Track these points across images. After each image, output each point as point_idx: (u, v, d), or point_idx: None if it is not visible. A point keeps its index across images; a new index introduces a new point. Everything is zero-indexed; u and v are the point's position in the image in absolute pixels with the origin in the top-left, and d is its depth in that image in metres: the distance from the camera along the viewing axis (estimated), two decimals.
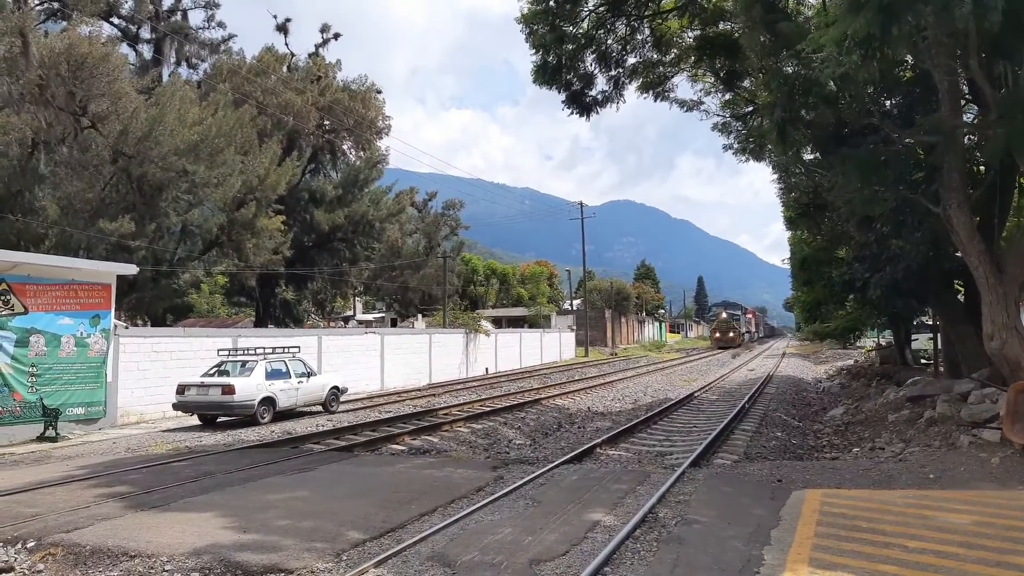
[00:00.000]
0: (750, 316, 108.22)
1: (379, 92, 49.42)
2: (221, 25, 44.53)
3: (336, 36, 49.64)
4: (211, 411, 18.58)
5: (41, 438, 16.44)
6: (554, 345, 54.81)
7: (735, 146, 22.96)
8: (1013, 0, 8.72)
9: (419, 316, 57.95)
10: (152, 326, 36.16)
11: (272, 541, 7.43)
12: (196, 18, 42.36)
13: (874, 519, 7.77)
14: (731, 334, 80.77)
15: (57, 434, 16.58)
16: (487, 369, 41.66)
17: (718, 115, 23.47)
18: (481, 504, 8.87)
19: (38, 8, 32.10)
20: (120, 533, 7.85)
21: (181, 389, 18.62)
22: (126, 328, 22.63)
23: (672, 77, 23.08)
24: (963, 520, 7.66)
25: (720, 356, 62.55)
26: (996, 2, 8.53)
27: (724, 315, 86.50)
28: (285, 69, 46.31)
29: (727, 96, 23.36)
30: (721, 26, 20.68)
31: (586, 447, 14.09)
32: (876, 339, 47.82)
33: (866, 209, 15.40)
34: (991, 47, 11.35)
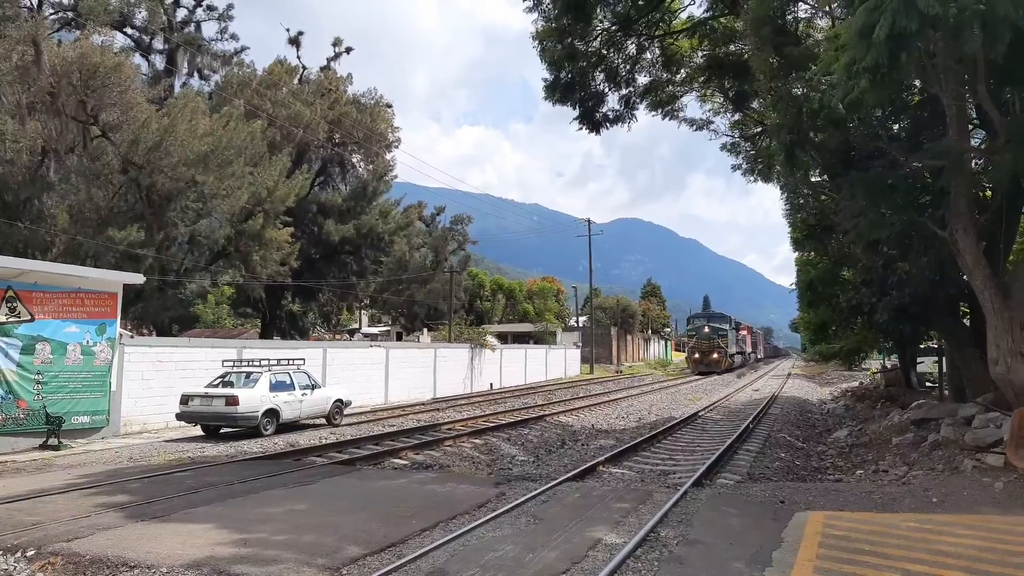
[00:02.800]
0: (744, 333, 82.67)
1: (389, 106, 49.70)
2: (234, 37, 44.64)
3: (348, 50, 49.84)
4: (214, 422, 18.56)
5: (44, 446, 16.42)
6: (559, 361, 54.71)
7: (744, 166, 23.10)
8: (1021, 29, 8.77)
9: (424, 330, 57.92)
10: (157, 336, 36.24)
11: (271, 555, 7.42)
12: (209, 30, 42.58)
13: (877, 542, 7.73)
14: (714, 355, 62.97)
15: (60, 442, 16.55)
16: (492, 384, 41.60)
17: (727, 135, 23.65)
18: (483, 520, 8.85)
19: (52, 17, 32.41)
20: (120, 543, 7.85)
21: (185, 399, 18.59)
22: (131, 337, 22.67)
23: (681, 96, 23.23)
24: (966, 545, 7.61)
25: (725, 376, 57.73)
26: (1003, 35, 8.58)
27: (707, 329, 65.13)
28: (296, 82, 46.56)
29: (736, 117, 23.52)
30: (731, 47, 20.81)
31: (589, 465, 14.04)
32: (881, 361, 47.63)
33: (873, 232, 15.40)
34: (999, 74, 11.39)
